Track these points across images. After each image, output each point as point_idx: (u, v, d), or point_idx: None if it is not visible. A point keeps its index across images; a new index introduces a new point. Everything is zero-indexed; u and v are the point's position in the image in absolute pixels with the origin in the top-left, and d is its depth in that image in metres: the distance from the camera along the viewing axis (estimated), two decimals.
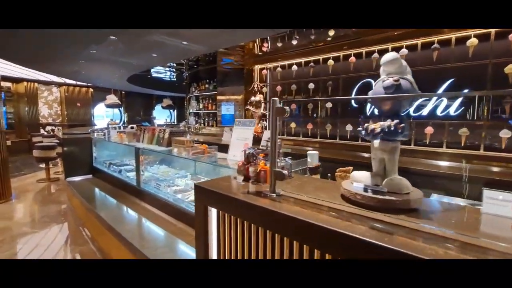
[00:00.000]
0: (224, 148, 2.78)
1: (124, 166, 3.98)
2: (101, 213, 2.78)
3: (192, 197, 2.48)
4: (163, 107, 15.48)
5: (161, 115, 16.82)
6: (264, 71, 5.30)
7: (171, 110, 16.75)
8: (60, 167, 7.33)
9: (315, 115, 4.59)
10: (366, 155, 3.86)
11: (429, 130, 3.27)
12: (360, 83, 4.06)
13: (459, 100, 3.11)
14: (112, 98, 12.65)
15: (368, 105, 4.00)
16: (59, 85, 11.84)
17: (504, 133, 2.74)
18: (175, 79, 12.69)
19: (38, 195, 5.34)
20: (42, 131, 11.23)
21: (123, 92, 14.40)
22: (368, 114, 4.01)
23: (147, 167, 3.50)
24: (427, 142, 3.33)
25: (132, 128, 4.72)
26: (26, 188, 5.80)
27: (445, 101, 3.22)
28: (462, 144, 3.06)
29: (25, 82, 10.78)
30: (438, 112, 3.26)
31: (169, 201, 2.66)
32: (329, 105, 4.38)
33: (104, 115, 16.72)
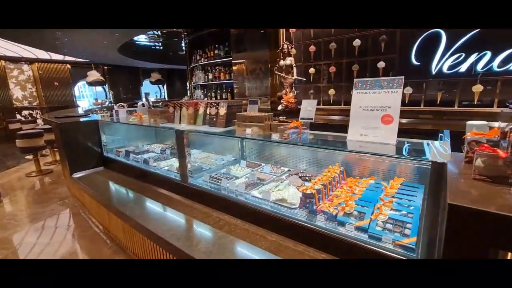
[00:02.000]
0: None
1: (146, 154, 3.18)
2: (141, 221, 2.05)
3: (279, 195, 1.79)
4: (151, 82, 14.16)
5: (150, 92, 15.43)
6: (292, 29, 4.43)
7: (161, 86, 15.40)
8: (50, 157, 6.36)
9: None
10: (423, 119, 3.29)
11: None
12: (424, 35, 3.36)
13: None
14: (94, 75, 11.26)
15: (435, 61, 3.34)
16: (30, 62, 10.27)
17: None
18: (161, 48, 11.29)
19: (32, 193, 4.49)
20: (18, 116, 9.93)
21: (106, 67, 12.88)
22: (434, 72, 3.37)
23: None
24: None
25: (143, 105, 3.87)
26: (16, 185, 4.92)
27: None
28: None
29: None
30: None
31: (240, 200, 1.95)
32: (381, 64, 3.69)
33: (84, 94, 15.24)
